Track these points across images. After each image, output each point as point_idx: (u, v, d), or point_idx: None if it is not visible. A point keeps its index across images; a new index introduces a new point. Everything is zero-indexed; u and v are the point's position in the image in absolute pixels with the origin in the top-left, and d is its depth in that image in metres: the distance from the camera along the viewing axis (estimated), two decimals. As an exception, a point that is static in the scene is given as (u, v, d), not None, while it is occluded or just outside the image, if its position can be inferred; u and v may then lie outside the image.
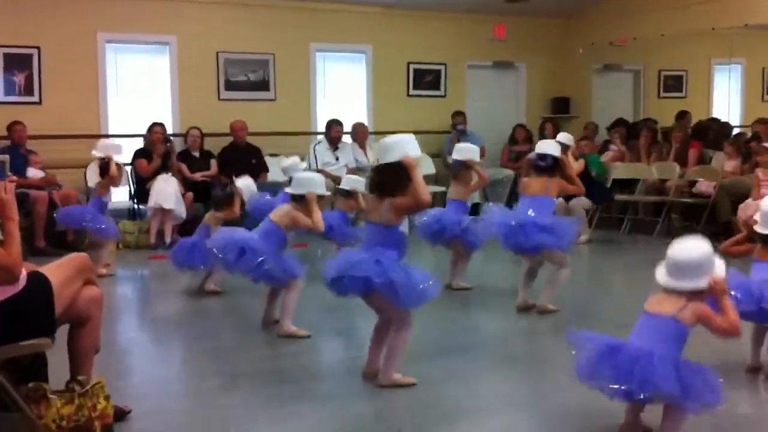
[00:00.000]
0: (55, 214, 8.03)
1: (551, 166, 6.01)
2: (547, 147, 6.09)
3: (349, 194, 7.22)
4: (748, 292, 4.28)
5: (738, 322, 3.43)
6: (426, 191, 4.18)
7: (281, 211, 5.53)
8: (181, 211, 9.30)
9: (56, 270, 3.52)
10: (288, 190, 5.70)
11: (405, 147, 4.22)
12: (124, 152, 9.50)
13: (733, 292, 4.19)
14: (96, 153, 7.75)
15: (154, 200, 9.20)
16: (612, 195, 10.00)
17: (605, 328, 4.98)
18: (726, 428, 3.81)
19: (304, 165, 7.88)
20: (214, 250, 5.47)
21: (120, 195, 9.79)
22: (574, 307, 6.17)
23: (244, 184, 7.62)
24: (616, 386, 3.33)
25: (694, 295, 3.40)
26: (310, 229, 5.58)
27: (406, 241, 4.35)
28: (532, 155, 6.27)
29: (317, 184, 5.59)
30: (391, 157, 4.20)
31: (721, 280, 3.41)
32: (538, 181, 6.03)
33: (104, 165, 7.60)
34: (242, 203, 7.33)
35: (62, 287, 3.46)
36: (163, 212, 9.22)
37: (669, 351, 3.34)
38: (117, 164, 7.71)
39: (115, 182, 7.76)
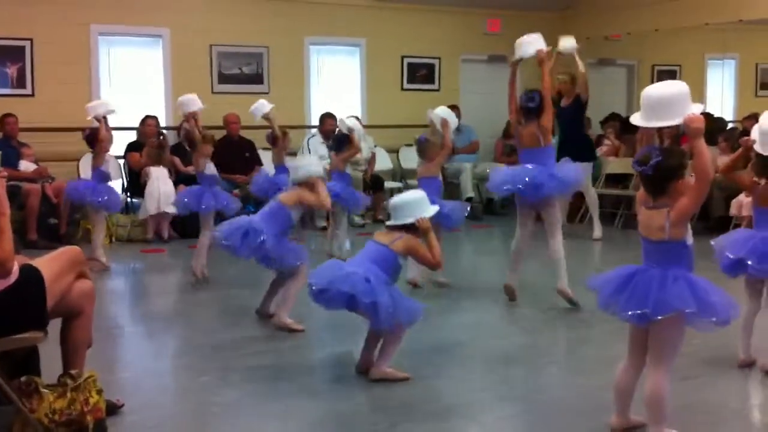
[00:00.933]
0: (65, 191, 7.96)
1: (540, 107, 6.02)
2: (530, 43, 6.30)
3: (345, 141, 7.47)
4: (763, 255, 4.28)
5: (710, 164, 3.25)
6: (440, 254, 4.44)
7: (289, 192, 5.61)
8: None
9: (48, 263, 3.51)
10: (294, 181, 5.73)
11: (419, 210, 4.37)
12: (117, 142, 9.55)
13: (750, 262, 4.23)
14: (91, 116, 7.63)
15: (155, 204, 9.07)
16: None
17: (600, 321, 5.01)
18: (719, 423, 3.82)
19: (271, 106, 7.90)
20: (221, 240, 5.52)
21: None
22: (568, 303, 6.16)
23: (353, 123, 7.72)
24: (631, 312, 3.32)
25: (670, 200, 3.29)
26: (318, 207, 5.63)
27: (399, 272, 4.44)
28: (521, 96, 6.24)
29: (313, 164, 5.68)
30: (405, 218, 4.35)
31: (696, 118, 3.24)
32: (531, 129, 6.04)
33: (90, 135, 7.54)
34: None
35: (54, 280, 3.45)
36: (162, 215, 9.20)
37: (680, 269, 3.31)
38: (106, 125, 7.60)
39: (105, 146, 7.56)
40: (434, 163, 6.77)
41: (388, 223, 4.46)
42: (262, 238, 5.30)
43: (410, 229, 4.36)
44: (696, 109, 3.29)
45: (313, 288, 4.26)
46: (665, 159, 3.27)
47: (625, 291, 3.37)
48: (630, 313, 3.34)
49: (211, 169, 7.07)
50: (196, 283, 6.90)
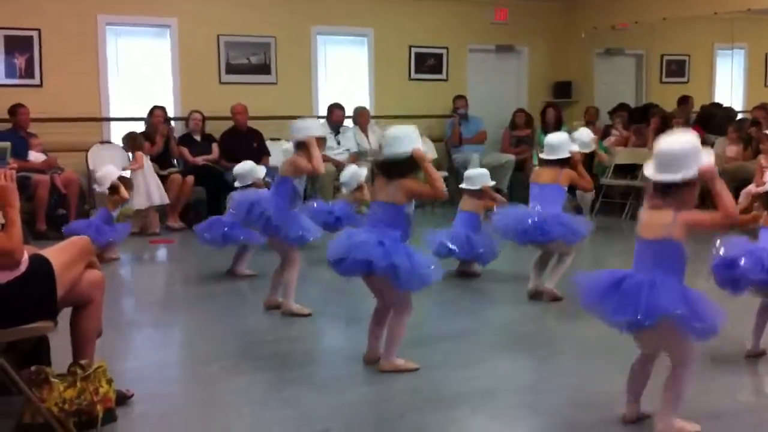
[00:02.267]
0: (64, 230, 7.96)
1: (563, 158, 6.07)
2: (560, 145, 6.11)
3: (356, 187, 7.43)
4: (757, 260, 4.24)
5: (734, 206, 3.33)
6: (442, 183, 4.31)
7: (285, 161, 5.69)
8: (163, 197, 9.27)
9: (58, 253, 3.53)
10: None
11: (414, 140, 4.29)
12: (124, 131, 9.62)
13: (742, 262, 4.20)
14: (101, 188, 7.74)
15: (142, 199, 9.01)
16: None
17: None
18: (726, 415, 3.82)
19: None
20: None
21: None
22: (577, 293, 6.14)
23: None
24: (620, 318, 3.32)
25: (679, 204, 3.33)
26: (311, 174, 5.62)
27: (412, 222, 4.38)
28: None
29: (314, 127, 5.68)
30: (400, 149, 4.25)
31: (709, 167, 3.30)
32: (549, 170, 6.09)
33: (113, 187, 7.62)
34: None
35: (64, 270, 3.46)
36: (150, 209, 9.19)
37: (670, 275, 3.31)
38: (125, 182, 7.82)
39: (126, 200, 7.79)
40: (481, 204, 6.85)
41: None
42: (263, 211, 5.38)
43: (404, 173, 4.27)
44: (706, 158, 3.35)
45: (331, 259, 4.25)
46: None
47: (612, 297, 3.36)
48: (619, 319, 3.33)
49: None
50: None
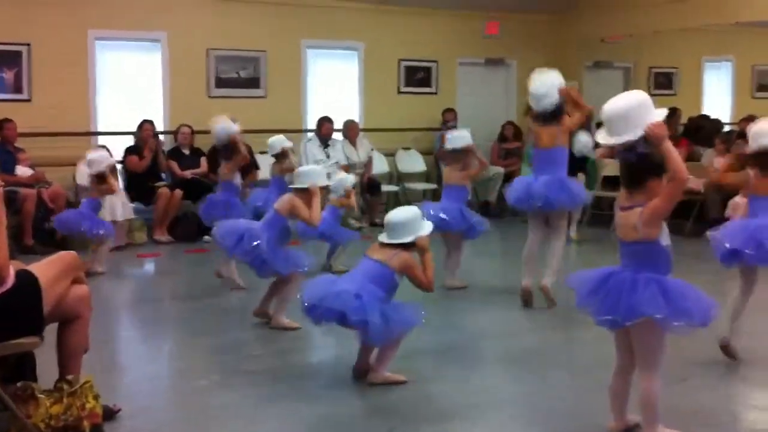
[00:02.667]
0: (54, 223, 7.92)
1: (555, 112, 6.09)
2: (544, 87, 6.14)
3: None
4: (759, 243, 4.29)
5: (684, 168, 3.22)
6: (432, 276, 4.38)
7: (283, 200, 5.61)
8: (127, 212, 9.06)
9: (45, 268, 3.51)
10: (292, 185, 5.75)
11: (418, 228, 4.33)
12: (116, 151, 9.56)
13: (747, 251, 4.26)
14: (90, 171, 7.63)
15: (107, 215, 8.46)
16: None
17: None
18: (711, 425, 3.82)
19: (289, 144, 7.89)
20: (218, 237, 5.68)
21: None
22: (568, 303, 6.14)
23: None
24: (602, 317, 3.34)
25: (647, 198, 3.28)
26: (305, 222, 5.59)
27: (396, 289, 4.37)
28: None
29: (319, 175, 5.66)
30: (403, 237, 4.30)
31: (656, 125, 3.22)
32: (548, 131, 6.09)
33: (99, 176, 7.55)
34: None
35: (51, 285, 3.44)
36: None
37: (653, 272, 3.31)
38: (113, 171, 7.75)
39: (114, 191, 7.77)
40: (466, 174, 6.83)
41: (382, 239, 4.37)
42: (255, 243, 5.33)
43: (407, 246, 4.32)
44: (659, 115, 3.28)
45: (305, 303, 4.24)
46: (651, 153, 3.27)
47: (599, 293, 3.38)
48: (601, 318, 3.35)
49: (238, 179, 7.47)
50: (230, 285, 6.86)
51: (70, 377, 3.53)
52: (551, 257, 6.11)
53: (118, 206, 8.85)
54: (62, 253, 3.75)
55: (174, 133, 10.29)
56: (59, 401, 3.41)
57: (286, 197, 5.61)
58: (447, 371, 4.64)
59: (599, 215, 10.42)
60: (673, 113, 11.69)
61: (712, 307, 3.33)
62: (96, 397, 3.56)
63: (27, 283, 3.38)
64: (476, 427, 3.87)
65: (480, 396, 4.26)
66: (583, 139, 8.02)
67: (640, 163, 3.29)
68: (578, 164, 8.78)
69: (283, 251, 5.49)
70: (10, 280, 3.31)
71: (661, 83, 14.09)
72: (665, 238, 3.35)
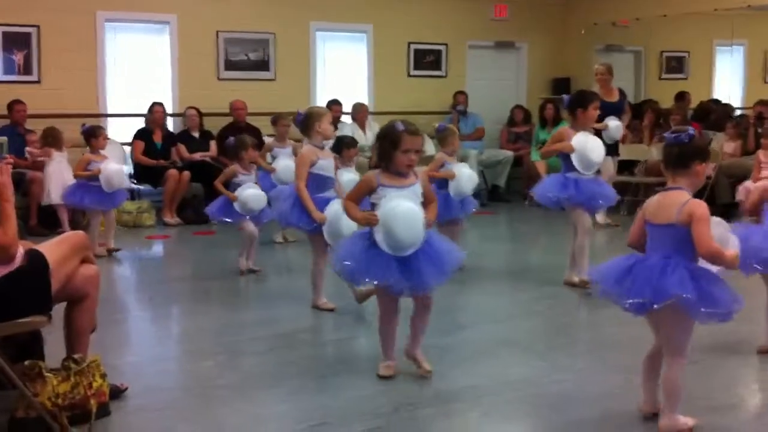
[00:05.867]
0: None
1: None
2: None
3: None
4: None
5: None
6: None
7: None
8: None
9: (53, 248, 3.53)
10: None
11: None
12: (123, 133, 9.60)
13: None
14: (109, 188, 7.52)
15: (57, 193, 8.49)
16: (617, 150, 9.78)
17: (603, 305, 5.01)
18: (718, 409, 3.82)
19: None
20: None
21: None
22: (574, 288, 6.16)
23: None
24: (631, 300, 3.33)
25: (690, 181, 3.37)
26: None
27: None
28: None
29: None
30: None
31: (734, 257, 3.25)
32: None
33: (88, 130, 7.60)
34: None
35: (59, 265, 3.46)
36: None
37: (682, 257, 3.29)
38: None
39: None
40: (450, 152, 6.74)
41: None
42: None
43: None
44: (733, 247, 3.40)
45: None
46: (698, 137, 3.42)
47: (625, 281, 3.37)
48: (630, 302, 3.34)
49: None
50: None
51: (77, 356, 3.55)
52: (579, 257, 6.06)
53: (54, 190, 8.62)
54: (70, 232, 3.78)
55: (183, 116, 10.30)
56: (66, 380, 3.44)
57: None
58: (450, 353, 4.63)
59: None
60: (683, 97, 11.66)
61: (736, 302, 3.31)
62: (103, 376, 3.59)
63: (35, 262, 3.40)
64: (481, 406, 3.87)
65: (484, 377, 4.26)
66: (613, 125, 7.95)
67: (689, 146, 3.37)
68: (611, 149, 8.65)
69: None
70: (19, 259, 3.34)
71: (673, 67, 13.99)
72: None
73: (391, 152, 3.94)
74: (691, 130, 3.40)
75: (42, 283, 3.39)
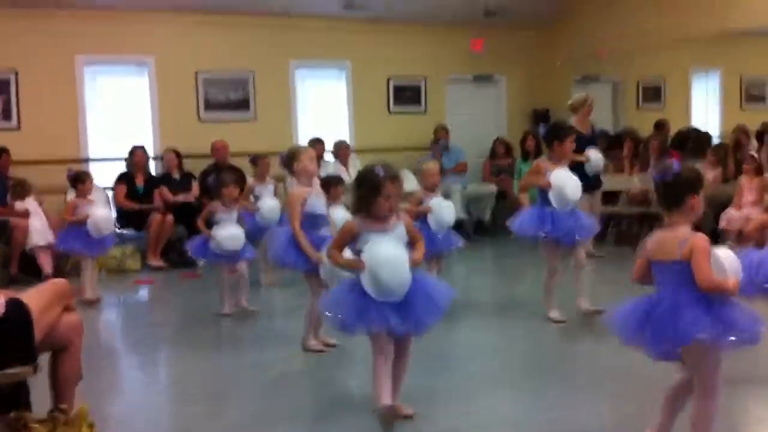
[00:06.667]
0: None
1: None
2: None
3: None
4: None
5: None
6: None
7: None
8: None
9: (35, 296, 3.47)
10: None
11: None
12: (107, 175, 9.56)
13: None
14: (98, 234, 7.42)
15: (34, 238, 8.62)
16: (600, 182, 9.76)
17: (604, 339, 4.98)
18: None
19: None
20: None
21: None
22: (572, 318, 6.13)
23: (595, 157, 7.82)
24: (654, 351, 3.30)
25: (687, 215, 3.36)
26: None
27: None
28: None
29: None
30: None
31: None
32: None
33: (74, 176, 7.54)
34: None
35: (41, 314, 3.40)
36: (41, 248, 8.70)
37: (692, 292, 3.22)
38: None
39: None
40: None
41: None
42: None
43: None
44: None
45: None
46: (684, 170, 3.37)
47: (645, 329, 3.31)
48: (654, 352, 3.31)
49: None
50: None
51: (63, 406, 3.48)
52: (578, 284, 6.17)
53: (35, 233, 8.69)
54: (52, 280, 3.72)
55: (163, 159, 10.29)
56: (53, 431, 3.37)
57: None
58: (442, 391, 4.59)
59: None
60: (662, 125, 11.75)
61: (758, 322, 3.26)
62: (90, 426, 3.53)
63: (18, 311, 3.33)
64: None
65: (473, 417, 4.19)
66: (594, 156, 7.96)
67: (676, 182, 3.35)
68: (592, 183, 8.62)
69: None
70: (1, 309, 3.28)
71: (650, 96, 14.14)
72: None
73: (372, 199, 3.92)
74: (675, 165, 3.36)
75: (25, 333, 3.33)
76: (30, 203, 8.87)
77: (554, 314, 6.11)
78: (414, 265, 3.95)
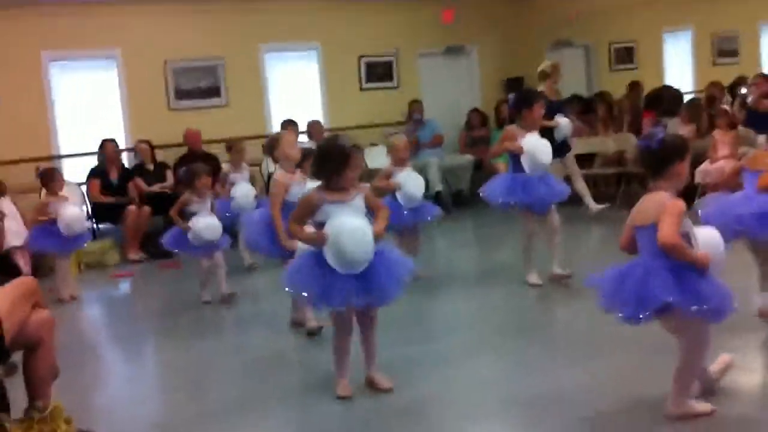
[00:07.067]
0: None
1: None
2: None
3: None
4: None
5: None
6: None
7: None
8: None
9: (2, 295, 3.43)
10: None
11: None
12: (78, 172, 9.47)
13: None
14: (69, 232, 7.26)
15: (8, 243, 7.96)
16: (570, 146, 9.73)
17: (581, 302, 4.99)
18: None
19: None
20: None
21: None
22: (549, 282, 6.15)
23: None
24: (621, 314, 3.34)
25: (672, 181, 3.37)
26: None
27: None
28: None
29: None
30: None
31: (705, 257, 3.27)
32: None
33: (44, 174, 7.47)
34: None
35: (10, 313, 3.37)
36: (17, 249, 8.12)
37: (665, 259, 3.26)
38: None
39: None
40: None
41: None
42: None
43: None
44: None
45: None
46: (669, 137, 3.42)
47: (619, 292, 3.36)
48: (620, 315, 3.35)
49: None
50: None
51: (38, 403, 3.45)
52: (553, 248, 6.23)
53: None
54: (20, 278, 3.68)
55: (135, 150, 10.20)
56: (29, 429, 3.34)
57: None
58: (420, 362, 4.58)
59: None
60: (635, 86, 11.76)
61: (727, 300, 3.29)
62: (68, 421, 3.49)
63: (-14, 312, 3.30)
64: (455, 406, 3.84)
65: (454, 383, 4.21)
66: (563, 122, 8.01)
67: (661, 149, 3.38)
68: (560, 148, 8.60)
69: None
70: (-32, 311, 3.24)
71: (622, 58, 14.15)
72: (684, 225, 3.32)
73: (340, 170, 3.90)
74: (660, 133, 3.40)
75: (-5, 333, 3.30)
76: (5, 204, 8.76)
77: (532, 278, 6.13)
78: (377, 235, 3.93)
